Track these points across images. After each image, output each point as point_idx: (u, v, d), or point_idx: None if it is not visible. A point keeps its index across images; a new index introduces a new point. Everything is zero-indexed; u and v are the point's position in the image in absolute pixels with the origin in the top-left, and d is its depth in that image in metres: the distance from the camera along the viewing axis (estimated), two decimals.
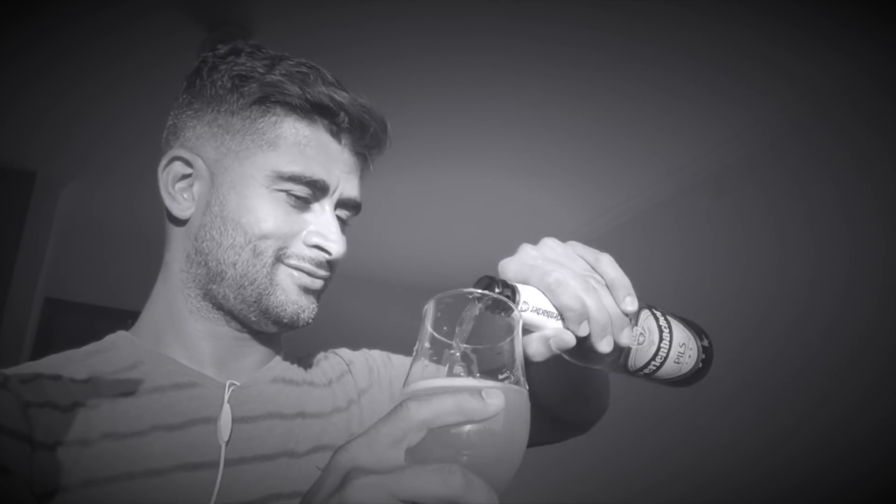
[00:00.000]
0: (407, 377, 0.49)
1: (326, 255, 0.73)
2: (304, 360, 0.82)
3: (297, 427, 0.74)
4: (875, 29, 1.90)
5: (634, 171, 2.83)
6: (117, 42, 2.16)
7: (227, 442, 0.69)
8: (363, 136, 0.75)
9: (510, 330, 0.51)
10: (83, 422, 0.64)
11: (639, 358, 0.63)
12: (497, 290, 0.53)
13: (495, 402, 0.44)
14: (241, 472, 0.68)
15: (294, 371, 0.79)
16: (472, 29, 2.05)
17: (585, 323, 0.57)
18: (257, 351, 0.76)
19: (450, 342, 0.50)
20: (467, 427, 0.44)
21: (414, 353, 0.50)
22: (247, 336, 0.75)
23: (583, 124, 2.52)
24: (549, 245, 0.61)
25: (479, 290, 0.52)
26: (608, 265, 0.61)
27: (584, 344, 0.58)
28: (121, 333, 0.75)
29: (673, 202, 2.86)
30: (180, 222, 0.74)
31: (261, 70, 0.72)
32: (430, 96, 2.41)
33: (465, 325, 0.51)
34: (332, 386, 0.80)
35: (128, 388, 0.68)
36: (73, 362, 0.69)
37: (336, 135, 0.74)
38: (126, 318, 0.77)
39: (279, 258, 0.71)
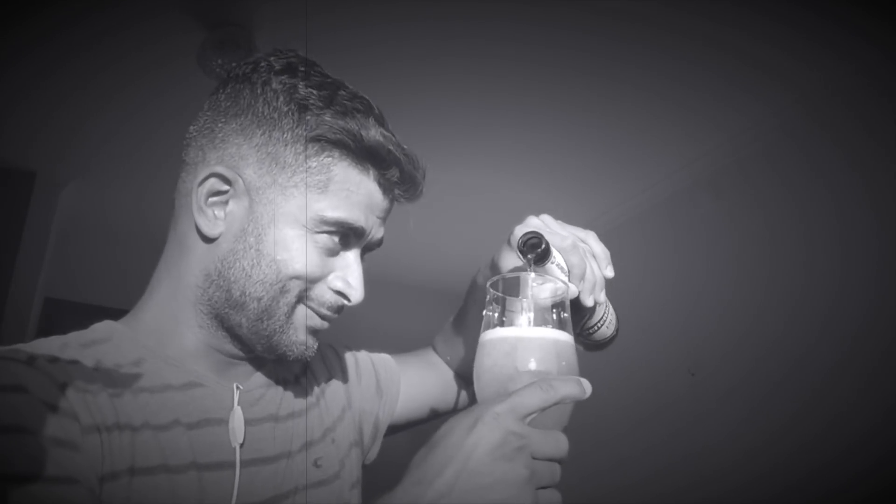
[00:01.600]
0: (488, 328, 0.63)
1: (346, 302, 0.73)
2: (277, 361, 0.83)
3: (290, 428, 0.76)
4: (871, 29, 1.90)
5: (633, 172, 2.83)
6: (118, 43, 2.16)
7: (242, 445, 0.70)
8: (408, 191, 0.75)
9: (554, 286, 0.65)
10: (112, 409, 0.63)
11: (593, 319, 0.80)
12: (544, 245, 0.67)
13: (588, 388, 0.58)
14: (251, 474, 0.70)
15: (277, 373, 0.80)
16: (474, 32, 2.06)
17: (582, 281, 0.72)
18: (252, 359, 0.77)
19: (515, 298, 0.64)
20: (564, 404, 0.58)
21: (492, 312, 0.63)
22: (245, 355, 0.76)
23: (581, 126, 2.52)
24: (549, 219, 0.76)
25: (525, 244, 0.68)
26: (594, 240, 0.77)
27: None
28: (112, 325, 0.72)
29: (671, 203, 2.87)
30: (207, 239, 0.71)
31: (319, 103, 0.69)
32: (431, 97, 2.41)
33: (529, 280, 0.65)
34: (301, 382, 0.82)
35: (141, 382, 0.67)
36: (71, 348, 0.66)
37: (382, 186, 0.73)
38: None
39: (301, 298, 0.71)
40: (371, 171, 0.71)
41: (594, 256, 0.75)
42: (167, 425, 0.66)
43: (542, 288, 0.64)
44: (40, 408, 0.57)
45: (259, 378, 0.77)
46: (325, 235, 0.70)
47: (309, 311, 0.72)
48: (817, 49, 2.01)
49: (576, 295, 0.72)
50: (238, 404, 0.72)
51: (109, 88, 2.40)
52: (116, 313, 0.75)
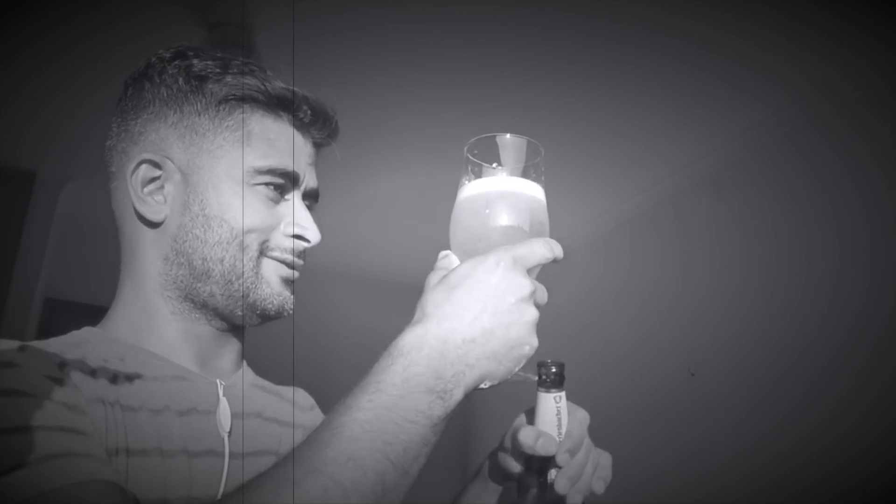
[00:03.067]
0: (471, 186, 0.66)
1: (306, 244, 0.76)
2: (262, 372, 0.86)
3: (276, 430, 0.78)
4: (879, 24, 1.89)
5: (635, 171, 2.83)
6: (118, 42, 2.16)
7: (230, 434, 0.71)
8: (324, 127, 0.79)
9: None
10: (110, 388, 0.64)
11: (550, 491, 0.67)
12: (560, 374, 0.67)
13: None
14: (239, 466, 0.71)
15: (262, 380, 0.83)
16: (472, 26, 2.06)
17: (569, 444, 0.68)
18: (233, 351, 0.79)
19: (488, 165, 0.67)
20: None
21: (468, 176, 0.67)
22: (227, 334, 0.77)
23: (582, 123, 2.52)
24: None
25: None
26: (606, 457, 0.74)
27: None
28: (89, 329, 0.74)
29: (673, 202, 2.86)
30: (153, 225, 0.74)
31: (218, 70, 0.74)
32: (429, 93, 2.41)
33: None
34: (283, 395, 0.85)
35: (131, 372, 0.68)
36: (54, 348, 0.67)
37: (300, 128, 0.77)
38: None
39: (262, 251, 0.74)
40: (284, 116, 0.76)
41: (595, 463, 0.71)
42: (161, 410, 0.67)
43: (519, 152, 0.67)
44: (40, 378, 0.58)
45: (241, 377, 0.79)
46: (262, 186, 0.73)
47: (274, 263, 0.75)
48: (821, 48, 2.00)
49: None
50: (223, 396, 0.73)
51: (109, 87, 2.40)
52: None
